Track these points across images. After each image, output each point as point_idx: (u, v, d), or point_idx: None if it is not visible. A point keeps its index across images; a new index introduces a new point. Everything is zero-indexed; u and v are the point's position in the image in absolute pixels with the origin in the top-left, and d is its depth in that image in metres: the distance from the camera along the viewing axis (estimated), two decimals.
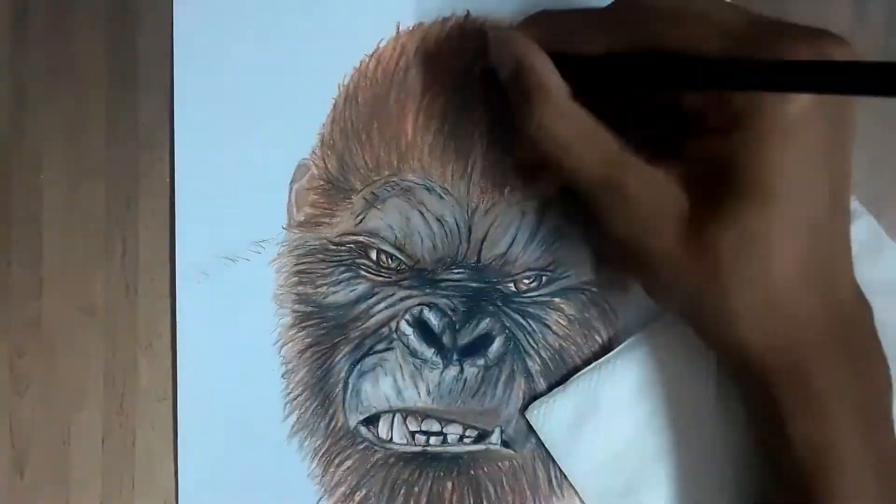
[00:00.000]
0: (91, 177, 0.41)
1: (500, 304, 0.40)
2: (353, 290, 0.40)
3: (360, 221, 0.40)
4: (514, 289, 0.40)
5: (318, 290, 0.40)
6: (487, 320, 0.40)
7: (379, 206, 0.40)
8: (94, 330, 0.41)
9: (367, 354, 0.40)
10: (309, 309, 0.40)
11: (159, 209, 0.41)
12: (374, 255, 0.40)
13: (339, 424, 0.40)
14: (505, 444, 0.40)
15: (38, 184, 0.41)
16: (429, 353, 0.40)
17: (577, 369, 0.40)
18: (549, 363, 0.40)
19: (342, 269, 0.40)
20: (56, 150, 0.41)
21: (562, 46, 0.31)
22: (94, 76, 0.41)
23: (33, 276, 0.41)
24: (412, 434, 0.40)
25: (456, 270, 0.40)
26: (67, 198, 0.41)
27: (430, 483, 0.40)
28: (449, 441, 0.40)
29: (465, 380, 0.40)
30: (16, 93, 0.41)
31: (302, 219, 0.40)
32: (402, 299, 0.40)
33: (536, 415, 0.39)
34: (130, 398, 0.41)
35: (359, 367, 0.40)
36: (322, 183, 0.40)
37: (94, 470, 0.41)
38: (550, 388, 0.40)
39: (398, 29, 0.40)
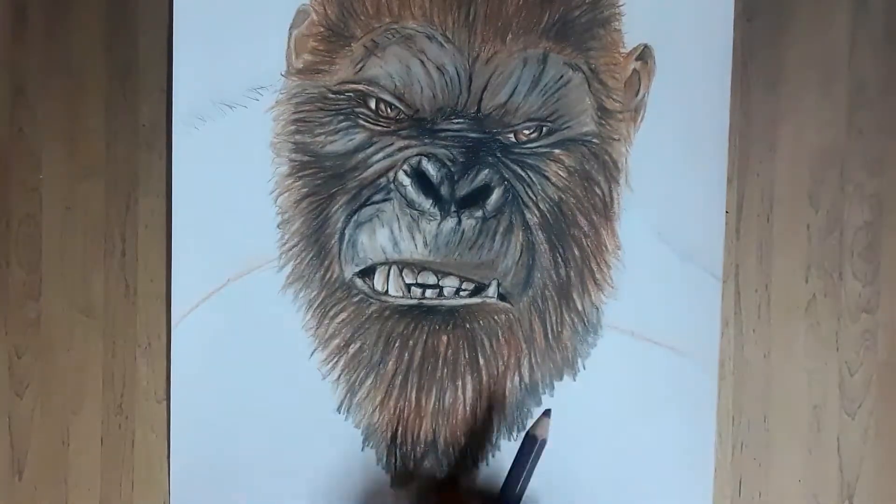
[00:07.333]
0: (91, 177, 0.41)
1: (499, 154, 0.39)
2: (352, 139, 0.40)
3: (360, 70, 0.39)
4: (513, 139, 0.40)
5: (316, 138, 0.40)
6: (486, 171, 0.39)
7: (379, 54, 0.39)
8: (93, 330, 0.41)
9: (364, 205, 0.40)
10: (306, 158, 0.40)
11: (158, 209, 0.40)
12: (373, 104, 0.39)
13: (335, 276, 0.40)
14: (501, 297, 0.40)
15: (38, 184, 0.41)
16: (426, 203, 0.39)
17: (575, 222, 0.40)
18: (548, 215, 0.40)
19: (341, 117, 0.40)
20: (55, 149, 0.41)
21: None
22: (93, 76, 0.41)
23: (33, 276, 0.41)
24: (408, 287, 0.40)
25: (455, 120, 0.39)
26: (67, 198, 0.41)
27: (425, 336, 0.40)
28: (445, 294, 0.40)
29: (463, 231, 0.39)
30: (14, 93, 0.41)
31: (301, 66, 0.40)
32: (400, 149, 0.39)
33: None
34: (129, 399, 0.41)
35: (355, 217, 0.40)
36: (322, 29, 0.40)
37: (93, 471, 0.41)
38: (548, 241, 0.40)
39: None
